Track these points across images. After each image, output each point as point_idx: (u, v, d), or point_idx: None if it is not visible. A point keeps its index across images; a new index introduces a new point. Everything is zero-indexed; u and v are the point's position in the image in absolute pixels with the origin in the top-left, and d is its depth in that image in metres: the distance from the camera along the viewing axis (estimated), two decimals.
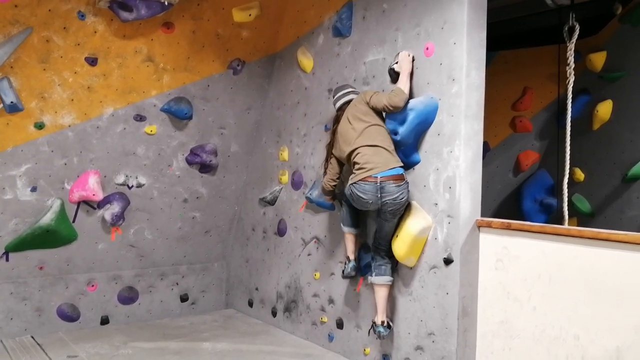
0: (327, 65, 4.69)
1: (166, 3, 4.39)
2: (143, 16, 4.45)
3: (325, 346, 4.72)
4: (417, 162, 3.88)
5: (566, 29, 5.04)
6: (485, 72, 6.76)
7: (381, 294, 4.00)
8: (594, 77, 5.96)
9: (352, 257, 4.25)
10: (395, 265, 4.01)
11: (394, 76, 3.96)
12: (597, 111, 5.86)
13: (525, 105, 6.72)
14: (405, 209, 3.86)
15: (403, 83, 3.83)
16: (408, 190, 3.81)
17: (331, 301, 4.68)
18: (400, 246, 3.84)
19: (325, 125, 4.68)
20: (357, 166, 3.86)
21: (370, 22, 4.28)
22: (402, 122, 3.78)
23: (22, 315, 4.96)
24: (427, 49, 3.79)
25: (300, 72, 5.00)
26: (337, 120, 4.15)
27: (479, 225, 3.66)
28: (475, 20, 3.58)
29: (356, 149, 3.88)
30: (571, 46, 4.99)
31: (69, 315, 5.16)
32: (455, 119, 3.62)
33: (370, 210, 3.94)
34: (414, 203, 3.87)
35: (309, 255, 4.92)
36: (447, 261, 3.68)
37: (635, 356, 2.93)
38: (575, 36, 4.94)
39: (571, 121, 5.05)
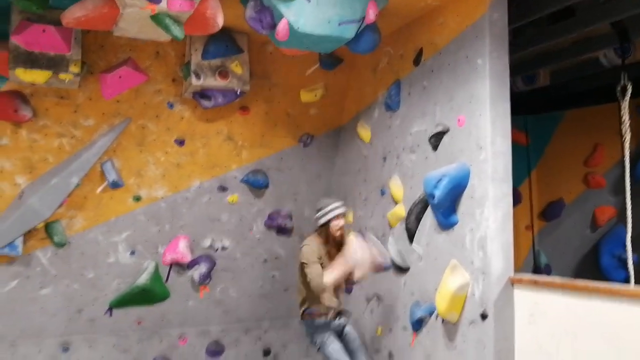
0: (382, 136, 5.18)
1: (238, 92, 5.12)
2: (220, 103, 5.22)
3: None
4: (455, 223, 4.21)
5: (619, 88, 5.20)
6: (555, 131, 6.95)
7: None
8: None
9: None
10: None
11: None
12: None
13: (596, 162, 6.75)
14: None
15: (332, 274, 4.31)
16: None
17: (391, 356, 4.98)
18: (440, 302, 4.15)
19: (381, 190, 5.12)
20: None
21: (414, 98, 4.74)
22: (437, 187, 4.15)
23: None
24: (459, 120, 4.18)
25: (360, 142, 5.53)
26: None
27: (512, 282, 3.90)
28: (497, 93, 3.95)
29: None
30: (625, 105, 5.13)
31: None
32: (484, 183, 3.94)
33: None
34: (454, 261, 4.17)
35: (371, 311, 5.29)
36: (483, 316, 3.92)
37: None
38: (628, 95, 5.10)
39: None
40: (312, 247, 4.46)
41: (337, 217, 4.46)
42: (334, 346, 4.43)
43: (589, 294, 3.37)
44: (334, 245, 4.51)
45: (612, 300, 3.25)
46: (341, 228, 4.48)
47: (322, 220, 4.49)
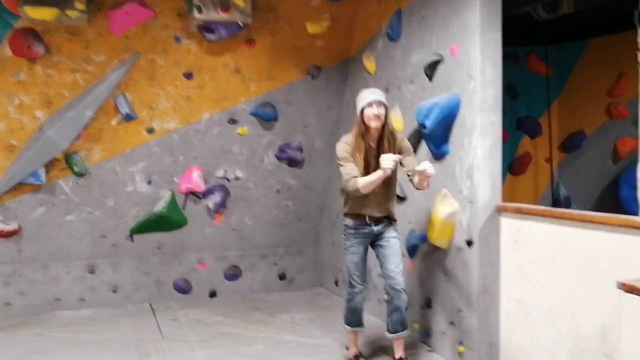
0: (385, 67, 5.18)
1: (241, 24, 5.17)
2: (223, 36, 5.30)
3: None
4: (447, 153, 4.26)
5: (637, 14, 5.00)
6: (578, 60, 6.74)
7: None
8: None
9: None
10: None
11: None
12: None
13: (620, 92, 6.55)
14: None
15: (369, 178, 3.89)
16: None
17: None
18: (431, 229, 4.28)
19: None
20: None
21: (413, 27, 4.70)
22: (428, 117, 4.18)
23: (145, 286, 6.04)
24: (452, 50, 4.15)
25: (367, 73, 5.54)
26: None
27: (499, 210, 3.97)
28: (488, 23, 3.89)
29: None
30: None
31: (183, 288, 6.17)
32: (472, 113, 3.96)
33: None
34: (444, 190, 4.25)
35: None
36: (469, 243, 4.03)
37: (615, 332, 3.11)
38: None
39: None
40: (343, 141, 4.05)
41: (369, 104, 3.89)
42: (352, 257, 4.20)
43: (566, 222, 3.42)
44: (371, 136, 4.01)
45: (585, 228, 3.29)
46: (377, 117, 3.88)
47: (357, 111, 3.99)
